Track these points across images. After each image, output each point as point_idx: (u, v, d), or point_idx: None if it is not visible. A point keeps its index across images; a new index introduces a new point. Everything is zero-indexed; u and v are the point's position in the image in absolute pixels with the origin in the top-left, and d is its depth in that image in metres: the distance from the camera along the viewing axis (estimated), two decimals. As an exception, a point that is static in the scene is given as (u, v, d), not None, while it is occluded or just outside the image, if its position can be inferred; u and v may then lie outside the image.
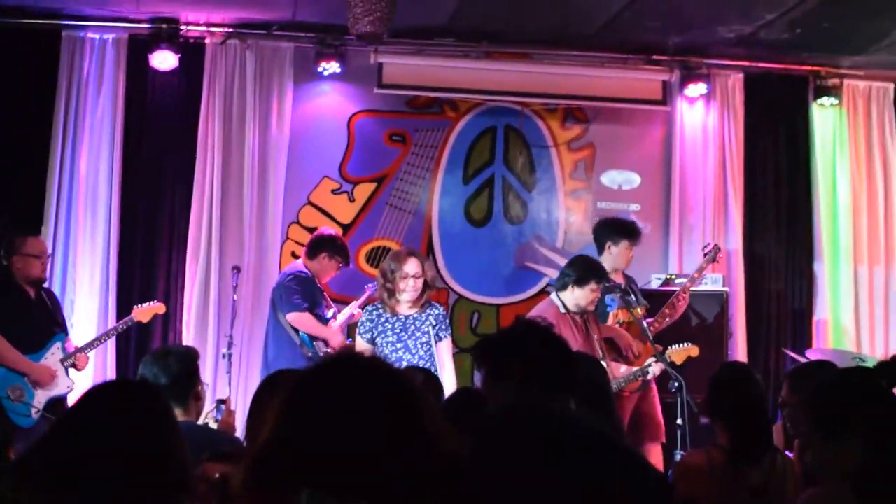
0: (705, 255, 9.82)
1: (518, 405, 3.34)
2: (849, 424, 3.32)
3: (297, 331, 8.86)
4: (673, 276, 10.34)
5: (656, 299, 9.55)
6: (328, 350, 8.74)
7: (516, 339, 3.76)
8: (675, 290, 9.69)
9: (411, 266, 8.20)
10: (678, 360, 8.52)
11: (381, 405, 2.43)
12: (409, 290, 8.15)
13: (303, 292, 8.86)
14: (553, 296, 8.41)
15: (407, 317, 8.17)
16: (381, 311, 8.26)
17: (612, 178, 11.21)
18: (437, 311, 8.32)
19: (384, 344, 8.15)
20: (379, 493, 2.35)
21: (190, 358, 5.83)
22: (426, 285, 8.26)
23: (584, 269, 8.28)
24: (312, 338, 8.77)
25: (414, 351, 8.07)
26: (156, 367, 5.58)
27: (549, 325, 4.10)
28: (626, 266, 9.22)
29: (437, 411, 2.55)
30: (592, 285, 8.18)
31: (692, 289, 9.81)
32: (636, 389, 8.55)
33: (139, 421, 3.36)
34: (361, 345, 8.26)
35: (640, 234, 9.30)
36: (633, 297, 8.80)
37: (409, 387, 2.53)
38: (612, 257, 9.06)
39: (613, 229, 9.19)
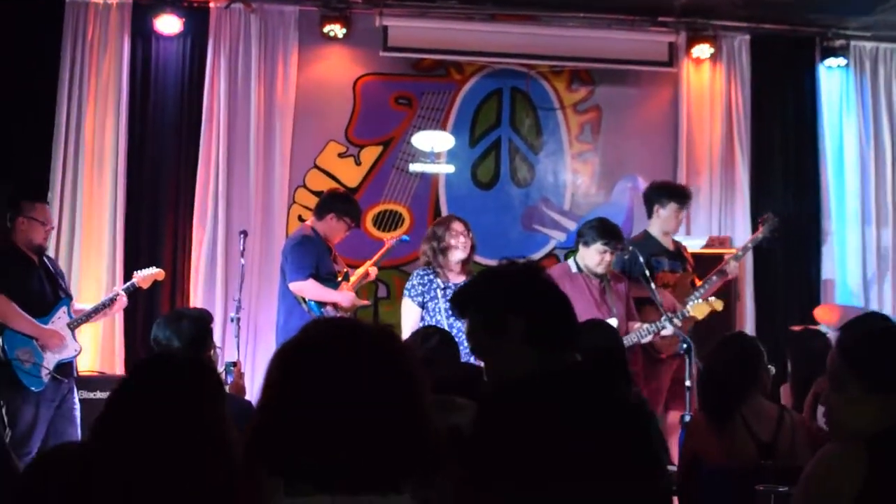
0: (763, 224, 9.52)
1: (537, 374, 3.30)
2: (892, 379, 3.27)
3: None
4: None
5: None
6: (339, 314, 8.65)
7: (512, 287, 3.49)
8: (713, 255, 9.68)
9: (459, 225, 8.24)
10: (699, 315, 8.41)
11: (371, 386, 2.42)
12: (460, 246, 8.17)
13: (304, 258, 8.65)
14: (571, 259, 8.42)
15: (456, 284, 8.09)
16: (431, 276, 8.24)
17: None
18: None
19: (435, 309, 8.10)
20: (359, 483, 2.33)
21: (203, 321, 5.82)
22: (472, 248, 8.28)
23: (591, 230, 8.25)
24: (321, 304, 8.67)
25: (452, 320, 7.99)
26: (168, 330, 5.58)
27: (538, 266, 3.99)
28: (675, 230, 9.06)
29: (429, 396, 2.52)
30: (598, 246, 8.15)
31: (703, 251, 9.80)
32: (674, 354, 8.42)
33: (191, 399, 3.35)
34: (410, 306, 8.21)
35: (689, 197, 9.18)
36: (677, 261, 8.79)
37: (403, 362, 2.52)
38: (660, 220, 8.95)
39: (662, 192, 9.08)
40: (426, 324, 7.89)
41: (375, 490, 2.37)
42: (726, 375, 5.47)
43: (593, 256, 8.17)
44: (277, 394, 2.42)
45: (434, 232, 8.33)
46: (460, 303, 3.61)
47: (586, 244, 8.19)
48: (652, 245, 8.79)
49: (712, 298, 8.52)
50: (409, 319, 8.12)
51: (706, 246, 10.30)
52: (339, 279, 8.84)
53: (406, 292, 8.30)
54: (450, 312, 7.97)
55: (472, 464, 2.84)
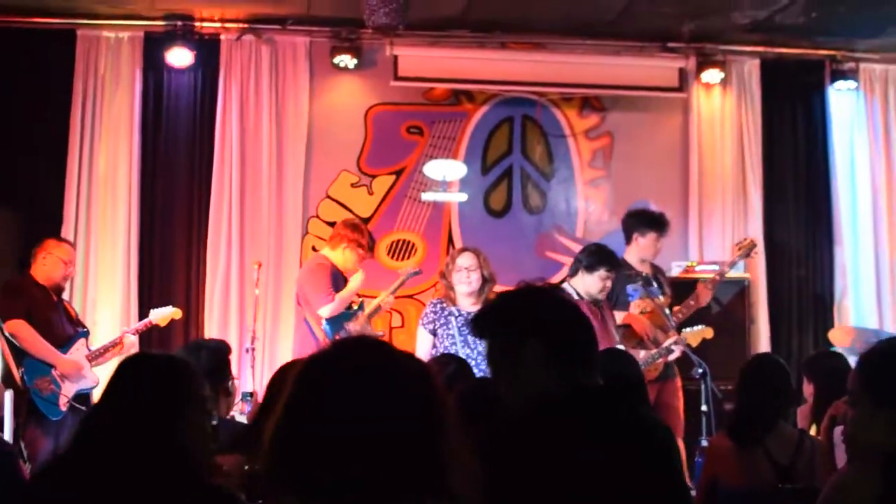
0: (739, 248, 9.62)
1: (560, 394, 3.29)
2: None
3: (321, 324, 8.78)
4: (694, 264, 10.34)
5: (677, 287, 9.50)
6: None
7: (532, 310, 3.45)
8: (695, 278, 9.65)
9: (464, 259, 8.25)
10: (693, 343, 8.54)
11: (391, 411, 2.36)
12: (462, 282, 8.19)
13: (322, 281, 8.66)
14: (565, 284, 8.40)
15: (469, 313, 8.11)
16: (444, 304, 8.27)
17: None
18: None
19: (444, 336, 8.14)
20: (376, 499, 2.29)
21: (221, 352, 5.84)
22: (485, 280, 8.26)
23: (594, 256, 8.28)
24: (335, 330, 8.66)
25: (473, 346, 8.00)
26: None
27: (557, 287, 3.99)
28: (653, 257, 9.16)
29: (456, 423, 2.46)
30: (602, 272, 8.17)
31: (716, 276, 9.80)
32: (654, 379, 8.47)
33: (155, 395, 3.42)
34: (422, 334, 8.29)
35: (667, 226, 9.24)
36: (655, 286, 8.77)
37: (429, 390, 2.47)
38: (639, 248, 9.02)
39: (642, 221, 9.13)
40: (437, 350, 7.95)
41: None
42: (761, 401, 5.47)
43: (595, 283, 8.19)
44: (295, 408, 2.40)
45: (444, 268, 8.39)
46: (479, 325, 3.58)
47: (588, 270, 8.22)
48: (629, 273, 8.80)
49: (702, 326, 8.63)
50: (422, 347, 8.17)
51: (718, 272, 10.28)
52: (354, 308, 8.87)
53: (420, 321, 8.38)
54: (463, 339, 8.01)
55: (498, 483, 2.83)
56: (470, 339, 8.02)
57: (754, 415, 5.46)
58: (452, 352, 7.79)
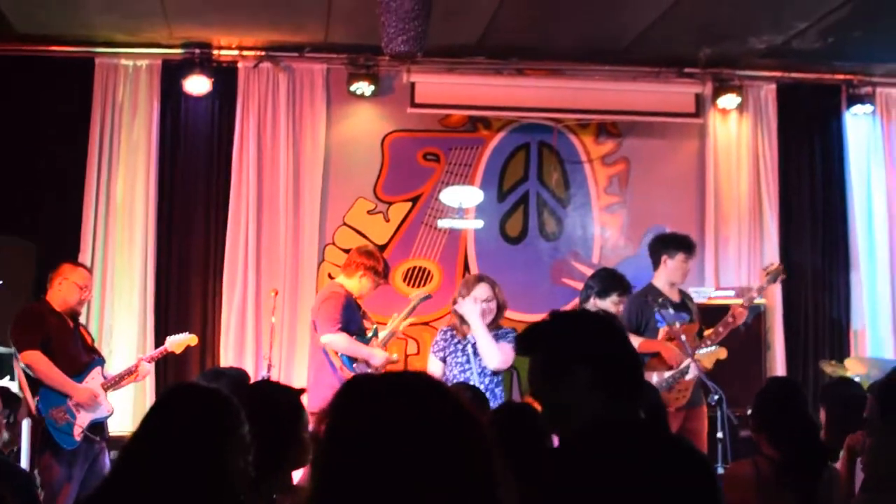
0: (767, 273, 9.58)
1: (609, 424, 3.25)
2: None
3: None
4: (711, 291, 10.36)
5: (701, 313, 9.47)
6: (370, 370, 8.62)
7: (582, 333, 3.36)
8: (718, 304, 9.66)
9: (481, 290, 8.15)
10: (707, 364, 8.50)
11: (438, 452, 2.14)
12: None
13: (334, 312, 8.63)
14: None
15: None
16: (454, 332, 8.23)
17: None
18: (506, 331, 8.22)
19: (454, 364, 8.09)
20: None
21: (241, 380, 5.84)
22: (500, 309, 8.22)
23: (606, 281, 8.30)
24: (352, 359, 8.66)
25: (482, 377, 7.99)
26: None
27: (612, 315, 3.95)
28: (682, 280, 9.08)
29: (501, 457, 2.24)
30: (614, 297, 8.20)
31: (732, 301, 9.79)
32: (682, 406, 8.48)
33: (198, 430, 3.40)
34: (433, 362, 8.24)
35: (695, 247, 9.23)
36: (670, 310, 8.75)
37: (475, 425, 2.23)
38: (667, 271, 8.98)
39: (669, 243, 9.12)
40: (447, 378, 7.91)
41: None
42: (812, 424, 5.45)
43: (608, 308, 8.19)
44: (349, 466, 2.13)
45: (456, 297, 8.31)
46: (528, 341, 3.50)
47: (600, 296, 8.25)
48: (656, 298, 8.79)
49: (715, 347, 8.59)
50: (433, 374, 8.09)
51: (736, 296, 10.27)
52: (369, 335, 8.86)
53: (431, 349, 8.35)
54: (465, 367, 7.98)
55: None
56: (482, 365, 8.00)
57: (810, 448, 5.35)
58: (462, 379, 7.76)
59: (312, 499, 2.15)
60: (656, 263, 9.08)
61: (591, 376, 3.23)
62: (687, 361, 8.31)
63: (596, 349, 3.28)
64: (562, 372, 3.28)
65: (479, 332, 7.93)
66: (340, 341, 8.55)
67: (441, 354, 8.19)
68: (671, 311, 8.59)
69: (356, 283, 8.85)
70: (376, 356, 8.63)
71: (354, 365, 8.56)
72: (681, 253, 9.00)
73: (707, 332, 8.79)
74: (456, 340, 8.15)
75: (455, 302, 8.23)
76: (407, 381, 2.30)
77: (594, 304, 8.24)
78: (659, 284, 8.95)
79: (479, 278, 8.40)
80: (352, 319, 8.71)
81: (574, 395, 3.24)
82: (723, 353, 8.67)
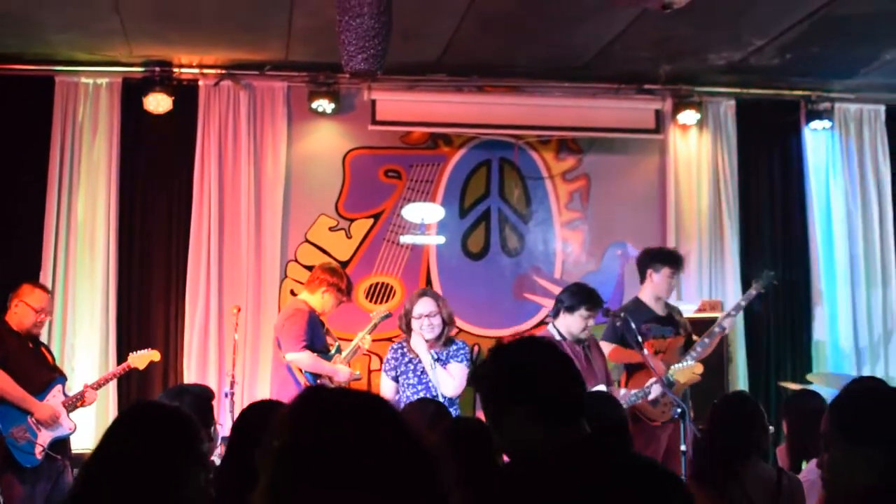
0: (756, 280, 9.57)
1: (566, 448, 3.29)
2: (870, 431, 3.30)
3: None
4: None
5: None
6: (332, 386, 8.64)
7: (519, 372, 3.42)
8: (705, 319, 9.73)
9: (423, 305, 8.20)
10: (682, 379, 8.51)
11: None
12: (424, 328, 8.17)
13: (298, 330, 8.72)
14: (549, 325, 8.44)
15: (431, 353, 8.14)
16: (405, 349, 8.25)
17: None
18: (458, 347, 8.29)
19: (406, 385, 8.15)
20: None
21: (205, 398, 5.82)
22: (445, 323, 8.24)
23: (574, 296, 8.32)
24: (316, 375, 8.69)
25: (435, 393, 8.02)
26: None
27: (553, 342, 4.01)
28: (668, 295, 9.12)
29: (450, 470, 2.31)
30: (583, 312, 8.22)
31: (693, 315, 9.84)
32: (668, 421, 8.52)
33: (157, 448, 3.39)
34: (385, 381, 8.32)
35: (681, 261, 9.28)
36: (667, 325, 8.81)
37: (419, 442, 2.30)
38: (653, 285, 9.02)
39: (655, 257, 9.15)
40: (400, 398, 8.00)
41: None
42: (729, 438, 5.44)
43: (577, 322, 8.24)
44: (292, 470, 2.22)
45: (402, 312, 8.35)
46: (473, 379, 3.73)
47: (569, 310, 8.27)
48: (642, 312, 8.84)
49: (692, 363, 8.60)
50: (385, 394, 8.08)
51: (698, 310, 10.34)
52: (331, 352, 8.89)
53: (383, 367, 8.42)
54: (418, 388, 8.05)
55: None
56: (431, 385, 8.05)
57: (717, 453, 5.42)
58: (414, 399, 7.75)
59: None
60: (642, 277, 9.13)
61: (529, 413, 3.32)
62: (651, 380, 8.34)
63: (533, 389, 3.36)
64: (501, 412, 3.40)
65: (430, 369, 8.02)
66: (305, 359, 8.60)
67: (393, 374, 8.23)
68: (621, 325, 8.62)
69: (319, 300, 8.89)
70: (340, 373, 8.71)
71: (318, 381, 8.59)
72: (666, 267, 9.04)
73: (696, 344, 8.84)
74: (407, 360, 8.19)
75: (401, 316, 8.28)
76: (349, 398, 2.36)
77: (563, 318, 8.28)
78: (645, 298, 8.99)
79: (422, 293, 8.49)
80: (315, 336, 8.76)
81: (515, 431, 3.35)
82: (699, 368, 8.66)
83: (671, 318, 9.04)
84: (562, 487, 3.13)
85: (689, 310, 10.03)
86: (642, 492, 3.19)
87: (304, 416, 2.28)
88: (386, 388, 8.25)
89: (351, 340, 9.21)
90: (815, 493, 5.18)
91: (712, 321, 9.51)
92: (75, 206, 10.21)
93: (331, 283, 8.91)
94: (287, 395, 8.34)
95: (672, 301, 9.44)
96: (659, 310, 8.99)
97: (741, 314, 10.51)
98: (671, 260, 9.13)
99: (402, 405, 7.62)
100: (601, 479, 3.17)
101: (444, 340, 8.23)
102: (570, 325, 8.26)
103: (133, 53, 10.09)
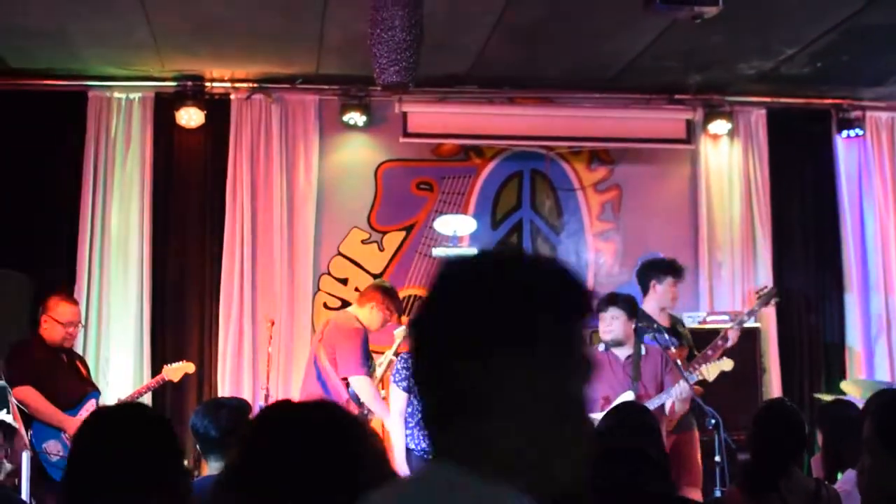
0: (759, 296, 9.62)
1: None
2: None
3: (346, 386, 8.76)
4: (705, 315, 10.38)
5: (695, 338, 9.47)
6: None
7: None
8: (712, 328, 9.67)
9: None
10: (711, 375, 8.47)
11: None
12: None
13: (359, 351, 8.68)
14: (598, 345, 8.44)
15: None
16: None
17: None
18: None
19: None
20: None
21: (241, 411, 5.79)
22: None
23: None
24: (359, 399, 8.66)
25: None
26: (206, 419, 5.51)
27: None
28: (672, 305, 9.11)
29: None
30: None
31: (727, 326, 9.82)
32: (671, 431, 8.48)
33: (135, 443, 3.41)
34: (395, 392, 8.22)
35: (683, 271, 9.28)
36: (664, 335, 8.76)
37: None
38: (657, 296, 9.02)
39: (657, 267, 9.16)
40: (412, 408, 7.93)
41: None
42: (773, 446, 5.42)
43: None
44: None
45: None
46: None
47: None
48: (651, 323, 8.81)
49: (721, 359, 8.59)
50: (396, 405, 8.09)
51: (730, 321, 10.29)
52: (375, 371, 8.97)
53: (392, 377, 8.32)
54: None
55: None
56: None
57: (765, 461, 5.41)
58: None
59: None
60: (645, 289, 9.12)
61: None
62: (681, 382, 8.31)
63: None
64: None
65: None
66: (365, 387, 8.59)
67: (405, 384, 8.17)
68: (656, 336, 8.61)
69: (367, 315, 8.89)
70: (383, 414, 8.57)
71: (366, 411, 8.60)
72: (669, 277, 9.04)
73: (698, 354, 8.83)
74: None
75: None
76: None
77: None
78: (649, 310, 8.95)
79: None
80: (368, 355, 8.77)
81: None
82: (728, 365, 8.61)
83: (675, 330, 9.02)
84: None
85: (720, 320, 10.00)
86: None
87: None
88: (396, 398, 8.19)
89: (378, 360, 9.24)
90: (851, 504, 5.16)
91: (746, 332, 9.50)
92: (109, 221, 10.26)
93: (381, 301, 8.91)
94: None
95: (702, 312, 9.46)
96: (664, 321, 8.97)
97: (773, 324, 10.52)
98: (673, 270, 9.14)
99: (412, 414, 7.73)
100: None
101: None
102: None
103: (165, 68, 10.15)
